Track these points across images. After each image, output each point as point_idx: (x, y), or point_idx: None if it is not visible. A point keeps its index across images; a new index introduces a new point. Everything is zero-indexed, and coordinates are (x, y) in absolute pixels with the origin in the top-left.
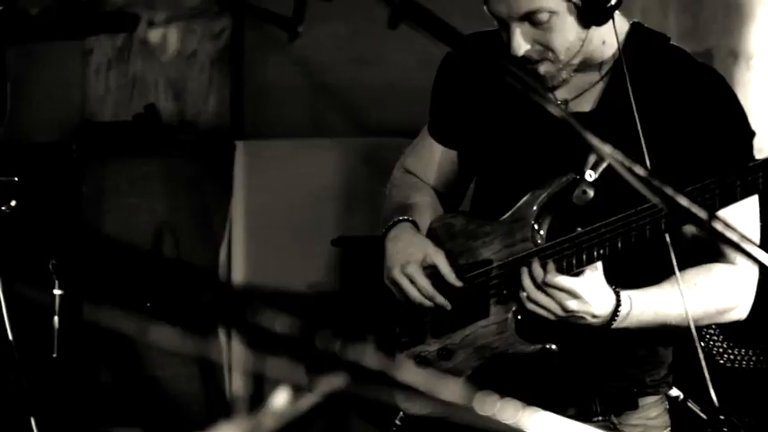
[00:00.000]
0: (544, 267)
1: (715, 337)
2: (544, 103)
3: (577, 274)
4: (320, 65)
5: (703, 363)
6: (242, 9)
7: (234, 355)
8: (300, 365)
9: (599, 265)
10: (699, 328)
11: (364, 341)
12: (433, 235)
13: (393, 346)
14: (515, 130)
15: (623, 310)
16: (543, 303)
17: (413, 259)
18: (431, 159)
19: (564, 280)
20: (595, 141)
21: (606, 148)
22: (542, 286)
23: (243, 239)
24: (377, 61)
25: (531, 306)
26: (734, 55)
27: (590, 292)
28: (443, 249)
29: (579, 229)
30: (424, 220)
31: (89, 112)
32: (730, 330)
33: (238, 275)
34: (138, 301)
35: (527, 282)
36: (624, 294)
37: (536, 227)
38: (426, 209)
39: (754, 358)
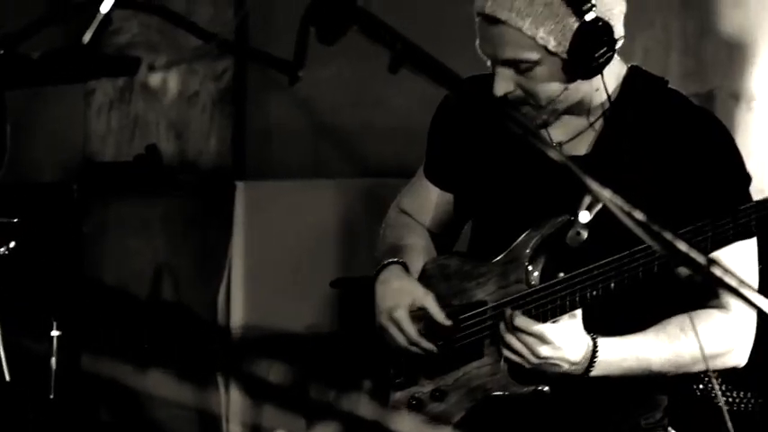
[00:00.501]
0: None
1: (714, 379)
2: (543, 147)
3: (555, 322)
4: (322, 106)
5: (726, 417)
6: (243, 53)
7: (232, 402)
8: (297, 415)
9: (578, 312)
10: (697, 372)
11: (360, 387)
12: (427, 275)
13: (388, 386)
14: (511, 171)
15: (601, 356)
16: (516, 348)
17: (401, 304)
18: (426, 200)
19: (531, 325)
20: (594, 185)
21: (605, 193)
22: (515, 332)
23: (242, 280)
24: (378, 103)
25: (506, 352)
26: (735, 97)
27: (562, 339)
28: (438, 290)
29: (561, 274)
30: (416, 262)
31: (90, 152)
32: (729, 373)
33: (237, 317)
34: (136, 344)
35: (502, 326)
36: (603, 341)
37: (530, 268)
38: (419, 250)
39: (753, 401)
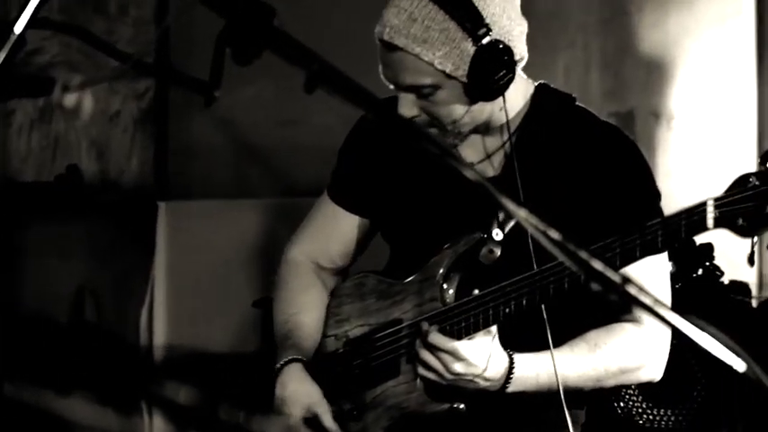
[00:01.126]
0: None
1: (634, 398)
2: (459, 167)
3: (470, 339)
4: (244, 125)
5: None
6: (160, 73)
7: (155, 424)
8: None
9: (493, 328)
10: (617, 389)
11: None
12: (343, 295)
13: None
14: (426, 191)
15: (517, 373)
16: (431, 365)
17: (295, 412)
18: (334, 228)
19: (446, 342)
20: (510, 205)
21: (521, 212)
22: (428, 348)
23: (165, 301)
24: (300, 122)
25: (420, 369)
26: (655, 115)
27: (476, 355)
28: (352, 309)
29: (476, 291)
30: (312, 340)
31: (11, 173)
32: (649, 391)
33: (160, 338)
34: (58, 368)
35: (418, 343)
36: (519, 357)
37: (444, 286)
38: (314, 322)
39: (672, 418)
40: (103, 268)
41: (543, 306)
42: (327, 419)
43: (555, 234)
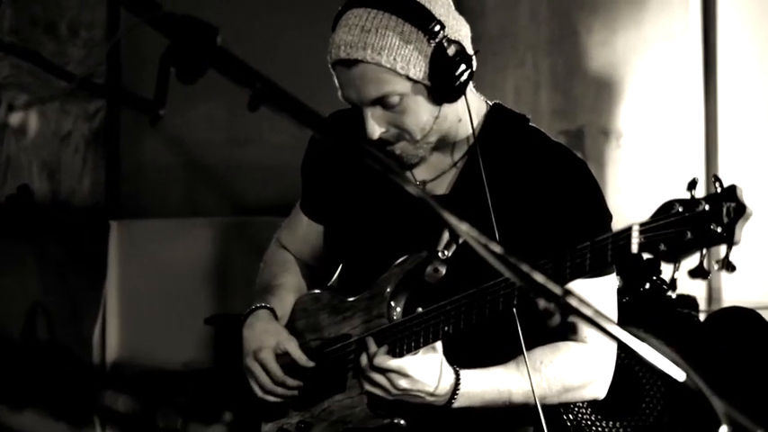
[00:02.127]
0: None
1: (583, 410)
2: (402, 183)
3: (415, 354)
4: (196, 145)
5: None
6: (106, 93)
7: None
8: None
9: (438, 345)
10: (565, 403)
11: (222, 419)
12: (299, 309)
13: (259, 418)
14: (377, 207)
15: (463, 388)
16: (377, 382)
17: (265, 345)
18: (302, 234)
19: (391, 361)
20: (452, 220)
21: (463, 227)
22: (374, 366)
23: (117, 319)
24: (251, 141)
25: (367, 386)
26: (604, 133)
27: (421, 372)
28: (307, 324)
29: (419, 309)
30: (286, 301)
31: None
32: (598, 403)
33: (112, 355)
34: (11, 384)
35: (363, 361)
36: (465, 373)
37: (392, 303)
38: (290, 290)
39: (621, 431)
40: (56, 286)
41: (489, 321)
42: (297, 352)
43: (497, 248)
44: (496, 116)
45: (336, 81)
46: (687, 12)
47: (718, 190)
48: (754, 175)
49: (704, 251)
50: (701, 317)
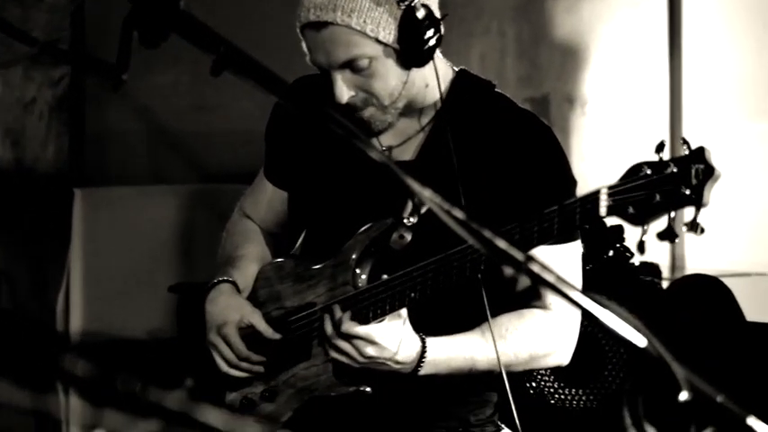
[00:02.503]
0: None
1: (546, 378)
2: (366, 149)
3: (380, 322)
4: (161, 111)
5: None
6: (69, 58)
7: (72, 407)
8: (136, 418)
9: (403, 312)
10: (529, 371)
11: (182, 383)
12: (262, 278)
13: (223, 387)
14: (341, 174)
15: (429, 356)
16: (343, 349)
17: (229, 320)
18: (266, 201)
19: (358, 328)
20: (415, 186)
21: (426, 192)
22: (341, 334)
23: (81, 287)
24: (217, 108)
25: (333, 353)
26: (569, 100)
27: (388, 339)
28: (271, 292)
29: (385, 276)
30: (249, 273)
31: None
32: (561, 371)
33: (76, 324)
34: None
35: (328, 329)
36: (431, 341)
37: (357, 271)
38: (252, 259)
39: (584, 398)
40: (19, 255)
41: (455, 288)
42: (262, 325)
43: (459, 213)
44: (462, 82)
45: (305, 45)
46: None
47: (686, 152)
48: (719, 141)
49: (672, 214)
50: (665, 284)
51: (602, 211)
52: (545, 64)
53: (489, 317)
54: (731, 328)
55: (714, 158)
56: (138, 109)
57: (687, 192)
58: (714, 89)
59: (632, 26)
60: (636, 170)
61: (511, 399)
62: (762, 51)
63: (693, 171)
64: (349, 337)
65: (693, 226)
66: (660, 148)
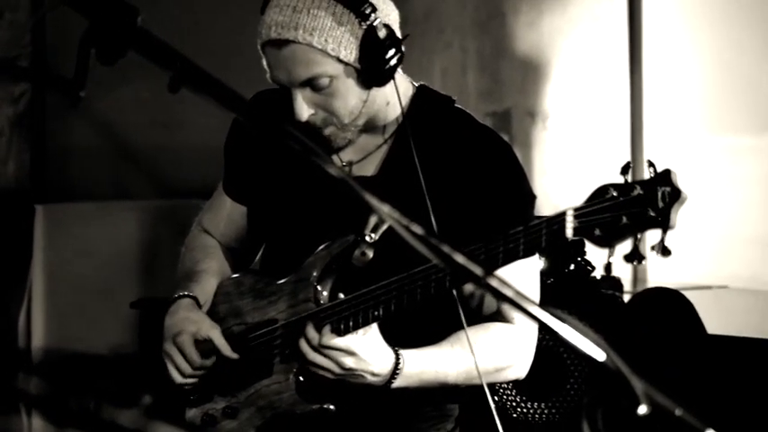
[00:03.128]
0: (319, 330)
1: (508, 392)
2: (323, 165)
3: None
4: (122, 126)
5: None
6: (28, 75)
7: (33, 426)
8: None
9: (374, 326)
10: (491, 384)
11: (139, 401)
12: (221, 293)
13: (183, 403)
14: (301, 189)
15: (402, 368)
16: (321, 364)
17: (185, 330)
18: (225, 216)
19: (338, 339)
20: (373, 201)
21: (384, 208)
22: (318, 348)
23: (43, 303)
24: (180, 123)
25: (312, 368)
26: (531, 115)
27: (366, 350)
28: (231, 307)
29: (341, 295)
30: (209, 288)
31: None
32: (523, 384)
33: (38, 341)
34: None
35: (304, 346)
36: (404, 353)
37: (318, 288)
38: (213, 274)
39: (546, 412)
40: None
41: (420, 305)
42: (220, 341)
43: (418, 229)
44: (422, 98)
45: (265, 62)
46: None
47: (651, 174)
48: (679, 157)
49: (639, 236)
50: (626, 298)
51: (569, 232)
52: (506, 79)
53: (466, 328)
54: (692, 342)
55: (675, 170)
56: (100, 124)
57: (653, 214)
58: (675, 103)
59: (593, 40)
60: (602, 192)
61: (495, 413)
62: (723, 65)
63: (660, 194)
64: (328, 349)
65: (661, 248)
66: (626, 169)
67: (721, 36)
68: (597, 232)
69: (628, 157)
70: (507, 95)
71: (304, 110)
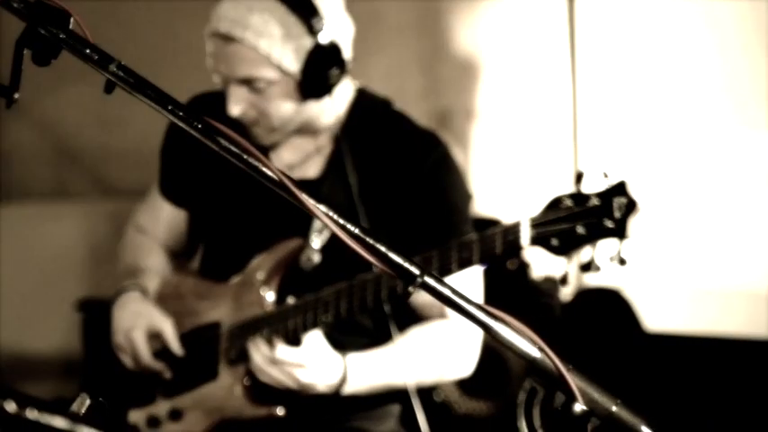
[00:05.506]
0: (271, 342)
1: (452, 389)
2: (260, 166)
3: (297, 341)
4: (66, 127)
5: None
6: None
7: None
8: None
9: (320, 334)
10: (432, 383)
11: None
12: (162, 295)
13: (126, 405)
14: (242, 192)
15: (350, 374)
16: (274, 378)
17: (138, 325)
18: (160, 217)
19: (290, 353)
20: (309, 202)
21: (321, 208)
22: (270, 363)
23: None
24: (121, 123)
25: (266, 379)
26: (470, 113)
27: (316, 362)
28: (172, 309)
29: (290, 299)
30: (151, 286)
31: None
32: (465, 382)
33: None
34: None
35: (257, 358)
36: (351, 359)
37: (263, 292)
38: (154, 273)
39: (488, 409)
40: None
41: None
42: (170, 335)
43: (355, 228)
44: (361, 101)
45: (208, 49)
46: None
47: (604, 184)
48: (619, 151)
49: (595, 245)
50: (563, 297)
51: (525, 241)
52: (446, 77)
53: (412, 330)
54: (629, 339)
55: (613, 166)
56: (42, 125)
57: (610, 224)
58: (612, 101)
59: (533, 37)
60: (557, 202)
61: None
62: (662, 58)
63: (616, 204)
64: (283, 364)
65: (618, 258)
66: (579, 178)
67: (659, 27)
68: (554, 242)
69: (568, 154)
70: (446, 94)
71: (236, 106)
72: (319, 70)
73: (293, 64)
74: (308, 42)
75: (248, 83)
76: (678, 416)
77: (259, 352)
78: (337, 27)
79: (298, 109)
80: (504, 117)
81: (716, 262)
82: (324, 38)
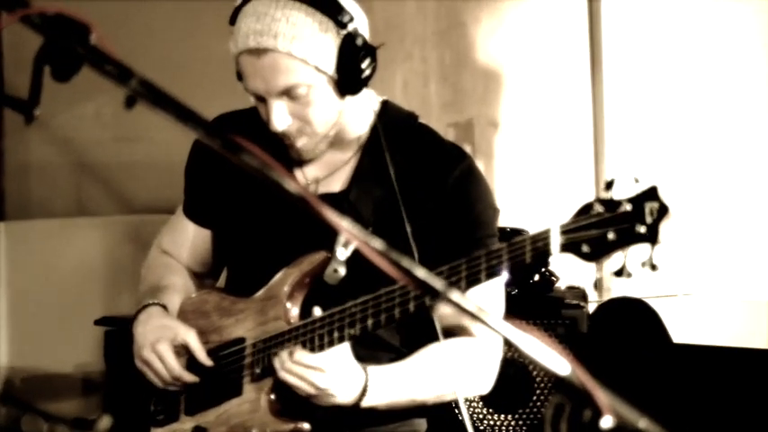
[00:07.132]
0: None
1: (475, 404)
2: (281, 182)
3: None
4: (83, 143)
5: None
6: None
7: None
8: None
9: (346, 344)
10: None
11: (96, 422)
12: (185, 311)
13: (149, 423)
14: (267, 208)
15: (371, 386)
16: (291, 381)
17: (164, 338)
18: (185, 238)
19: (309, 357)
20: (333, 217)
21: (344, 223)
22: (289, 365)
23: (6, 322)
24: (141, 139)
25: (288, 383)
26: (493, 124)
27: (336, 368)
28: (195, 326)
29: (317, 311)
30: (175, 302)
31: None
32: (489, 397)
33: (2, 359)
34: None
35: (277, 365)
36: (372, 371)
37: (288, 305)
38: (177, 291)
39: (513, 424)
40: None
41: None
42: (197, 347)
43: (378, 244)
44: (386, 114)
45: (242, 72)
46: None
47: (635, 190)
48: (640, 161)
49: (626, 251)
50: (591, 308)
51: (555, 249)
52: (468, 88)
53: (436, 345)
54: (657, 351)
55: (639, 173)
56: (61, 141)
57: (642, 230)
58: (634, 108)
59: (554, 48)
60: (587, 208)
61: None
62: (684, 65)
63: (647, 209)
64: (299, 366)
65: (649, 263)
66: (609, 185)
67: (680, 36)
68: (585, 249)
69: (590, 165)
70: (469, 105)
71: (280, 120)
72: (354, 63)
73: (329, 62)
74: (337, 37)
75: (287, 93)
76: (706, 429)
77: (279, 360)
78: (357, 17)
79: (338, 109)
80: (526, 127)
81: (722, 270)
82: (352, 29)
